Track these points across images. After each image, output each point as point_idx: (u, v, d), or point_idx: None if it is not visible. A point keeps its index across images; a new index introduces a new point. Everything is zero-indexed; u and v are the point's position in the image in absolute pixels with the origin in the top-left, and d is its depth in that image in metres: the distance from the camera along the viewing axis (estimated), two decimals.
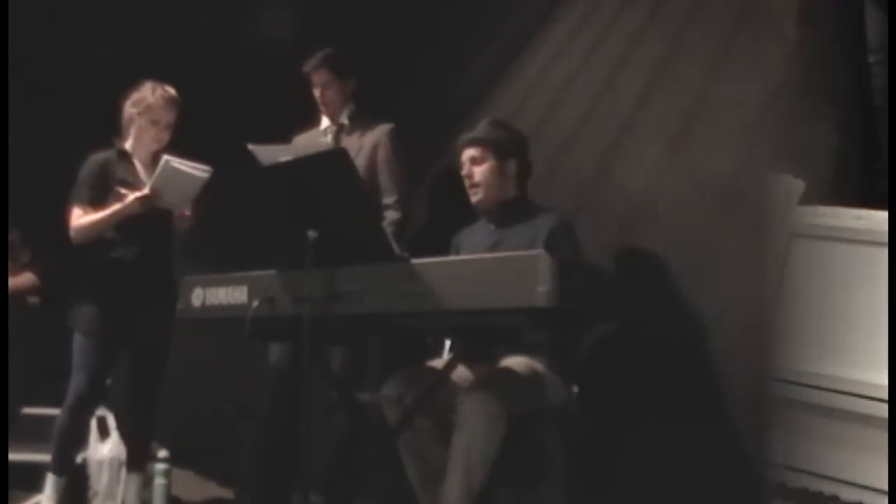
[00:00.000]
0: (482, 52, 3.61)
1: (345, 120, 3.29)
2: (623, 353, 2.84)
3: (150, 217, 2.96)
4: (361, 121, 3.29)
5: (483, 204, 2.70)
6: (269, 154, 2.89)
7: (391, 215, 3.14)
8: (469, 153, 2.70)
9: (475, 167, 2.67)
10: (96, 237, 2.97)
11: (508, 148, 2.69)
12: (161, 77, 3.10)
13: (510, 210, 2.68)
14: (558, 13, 3.32)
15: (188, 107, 3.10)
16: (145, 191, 2.89)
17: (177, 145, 3.00)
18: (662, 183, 2.87)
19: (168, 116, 3.04)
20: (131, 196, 2.90)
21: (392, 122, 3.26)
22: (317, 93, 3.27)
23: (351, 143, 3.20)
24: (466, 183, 2.70)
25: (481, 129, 2.73)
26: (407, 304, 2.01)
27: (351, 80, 3.29)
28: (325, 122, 3.33)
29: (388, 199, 3.16)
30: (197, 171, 2.90)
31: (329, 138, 3.28)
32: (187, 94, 3.13)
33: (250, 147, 2.86)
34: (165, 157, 2.90)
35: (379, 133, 3.22)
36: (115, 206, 2.91)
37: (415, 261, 2.05)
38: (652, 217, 2.88)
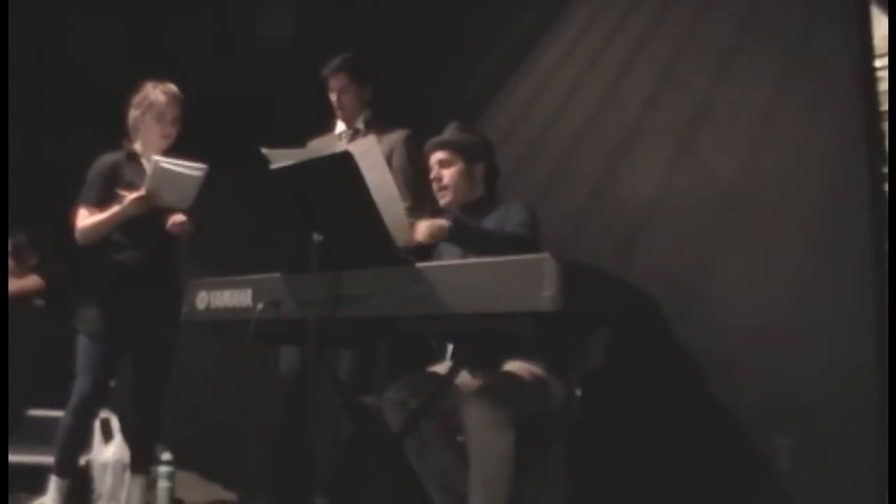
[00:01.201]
0: (487, 58, 3.61)
1: (360, 125, 3.27)
2: (627, 357, 2.83)
3: (155, 220, 2.97)
4: (377, 126, 3.26)
5: (451, 206, 2.69)
6: (283, 158, 2.88)
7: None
8: (438, 156, 2.69)
9: (444, 170, 2.67)
10: (99, 239, 2.96)
11: (476, 151, 2.69)
12: (168, 79, 3.11)
13: (478, 210, 2.66)
14: (563, 19, 3.33)
15: (196, 110, 3.11)
16: (141, 192, 2.89)
17: (185, 149, 2.98)
18: (668, 187, 2.87)
19: (171, 111, 3.04)
20: (129, 197, 2.90)
21: (404, 128, 3.26)
22: (333, 97, 3.25)
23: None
24: (435, 186, 2.70)
25: (449, 132, 2.73)
26: (412, 308, 2.00)
27: (369, 87, 3.27)
28: (340, 126, 3.31)
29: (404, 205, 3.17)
30: (189, 169, 2.89)
31: (344, 143, 3.25)
32: (195, 97, 3.13)
33: (264, 150, 2.87)
34: (155, 157, 2.90)
35: (395, 139, 3.20)
36: (115, 208, 2.91)
37: (420, 264, 2.04)
38: (658, 221, 2.87)
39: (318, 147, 3.29)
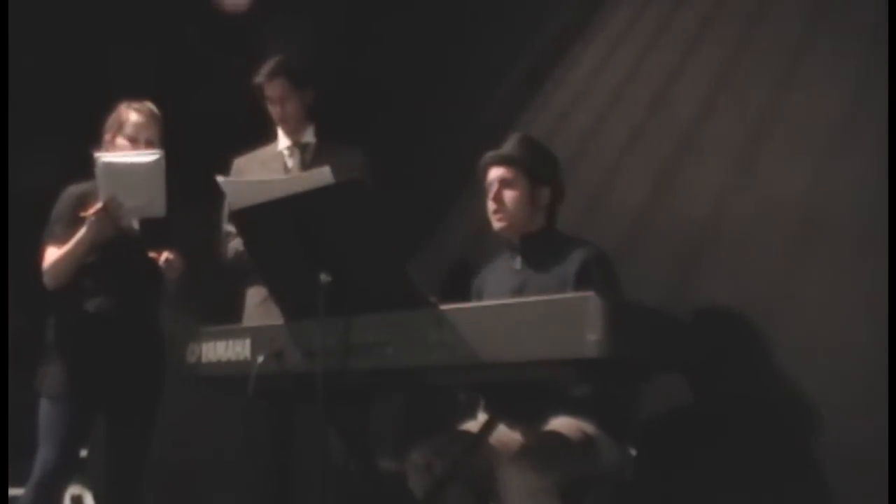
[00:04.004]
0: (514, 65, 3.69)
1: (310, 138, 3.37)
2: (687, 411, 2.87)
3: (130, 261, 3.01)
4: (328, 141, 3.36)
5: (506, 232, 2.77)
6: (241, 189, 2.95)
7: None
8: (498, 173, 2.75)
9: (506, 191, 2.73)
10: (70, 275, 2.99)
11: (544, 174, 2.76)
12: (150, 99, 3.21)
13: (536, 244, 2.75)
14: (600, 19, 3.40)
15: (185, 134, 3.18)
16: (98, 204, 2.91)
17: (170, 177, 2.99)
18: (729, 208, 2.91)
19: (146, 132, 3.08)
20: (89, 214, 2.92)
21: (409, 146, 3.34)
22: (273, 108, 3.34)
23: (320, 166, 3.23)
24: (491, 206, 2.75)
25: (513, 146, 2.78)
26: (435, 357, 2.05)
27: (310, 90, 3.35)
28: (283, 141, 3.38)
29: None
30: (138, 157, 2.91)
31: (292, 161, 3.34)
32: (182, 119, 3.22)
33: (219, 180, 2.92)
34: (96, 154, 2.92)
35: (353, 158, 3.28)
36: (79, 233, 2.95)
37: (444, 307, 2.09)
38: (718, 249, 2.92)
39: (252, 165, 3.35)
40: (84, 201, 3.05)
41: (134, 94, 3.17)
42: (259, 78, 3.33)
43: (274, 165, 3.36)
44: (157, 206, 2.93)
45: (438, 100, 3.83)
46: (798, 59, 2.81)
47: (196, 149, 3.36)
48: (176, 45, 4.13)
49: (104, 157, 2.92)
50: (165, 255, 3.02)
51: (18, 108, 3.78)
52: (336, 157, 3.25)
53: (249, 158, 3.41)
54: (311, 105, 3.37)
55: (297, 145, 3.37)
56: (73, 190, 3.12)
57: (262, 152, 3.41)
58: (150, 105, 3.16)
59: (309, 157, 3.35)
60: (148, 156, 2.92)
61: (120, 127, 3.11)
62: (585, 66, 3.45)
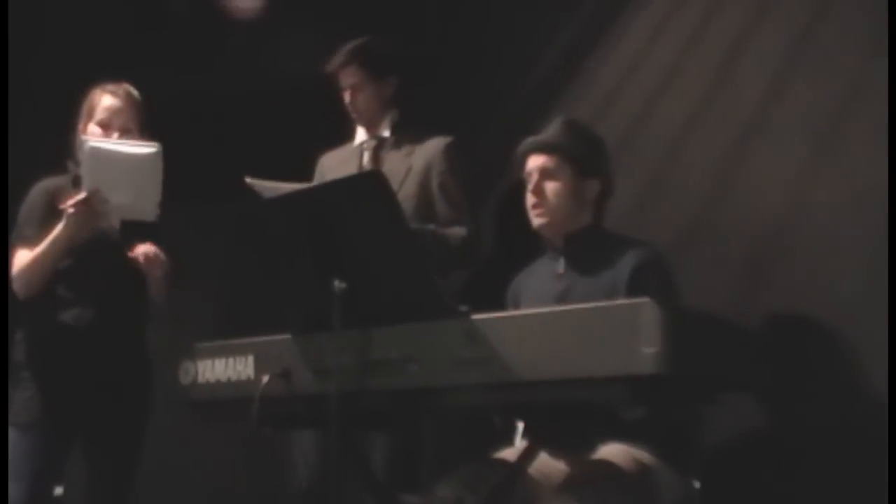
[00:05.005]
0: (553, 40, 3.70)
1: (385, 132, 3.41)
2: (760, 437, 2.87)
3: (111, 265, 3.04)
4: (408, 133, 3.40)
5: (547, 231, 2.79)
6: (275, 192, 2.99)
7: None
8: (538, 162, 2.77)
9: (547, 182, 2.75)
10: (45, 279, 3.02)
11: (591, 163, 2.77)
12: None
13: (582, 244, 2.76)
14: None
15: (181, 123, 3.20)
16: (80, 194, 2.90)
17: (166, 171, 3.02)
18: (806, 201, 2.91)
19: (121, 118, 3.11)
20: (67, 206, 2.91)
21: (443, 133, 3.34)
22: (347, 98, 3.40)
23: (395, 162, 3.31)
24: (531, 200, 2.77)
25: (556, 131, 2.79)
26: (466, 375, 2.05)
27: (390, 79, 3.40)
28: (360, 135, 3.45)
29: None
30: (133, 147, 2.93)
31: (366, 157, 3.40)
32: (180, 106, 3.24)
33: (248, 181, 2.95)
34: (83, 137, 2.96)
35: (433, 149, 3.33)
36: (55, 231, 2.96)
37: (475, 317, 2.09)
38: (793, 248, 2.92)
39: (332, 163, 3.42)
40: (58, 197, 3.05)
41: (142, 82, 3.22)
42: (332, 66, 3.38)
43: (352, 162, 3.42)
44: (147, 206, 2.95)
45: (469, 80, 3.85)
46: (883, 25, 2.77)
47: (188, 141, 3.39)
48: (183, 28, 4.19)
49: (93, 141, 2.94)
50: (142, 248, 3.02)
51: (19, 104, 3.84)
52: (414, 153, 3.34)
53: (332, 155, 3.48)
54: (392, 96, 3.41)
55: (374, 139, 3.42)
56: (45, 185, 3.15)
57: (344, 148, 3.48)
58: (127, 87, 3.19)
59: (385, 153, 3.40)
60: (145, 147, 2.95)
61: (91, 112, 3.14)
62: (635, 38, 3.47)
